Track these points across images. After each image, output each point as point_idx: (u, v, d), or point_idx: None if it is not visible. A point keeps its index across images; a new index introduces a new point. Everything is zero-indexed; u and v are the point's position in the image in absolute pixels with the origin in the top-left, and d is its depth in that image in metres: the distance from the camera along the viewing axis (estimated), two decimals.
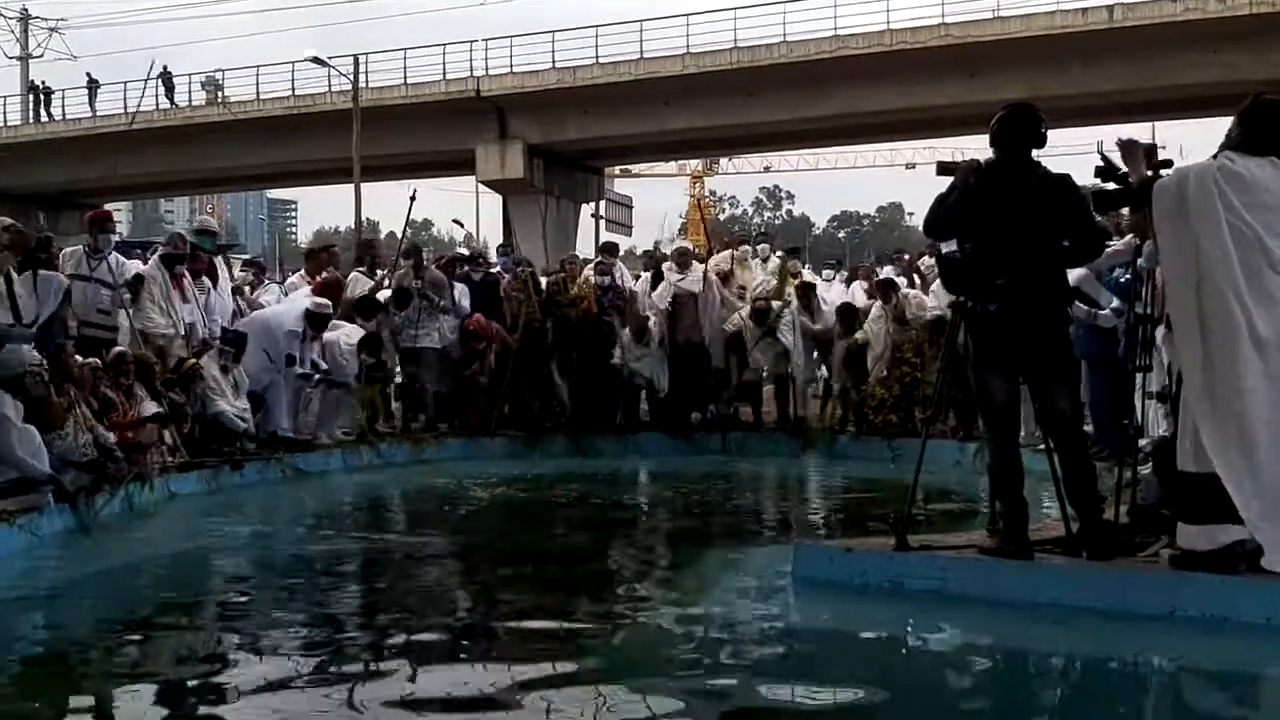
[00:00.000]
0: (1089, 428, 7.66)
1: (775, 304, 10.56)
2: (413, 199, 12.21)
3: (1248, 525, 4.21)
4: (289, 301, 10.26)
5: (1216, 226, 4.25)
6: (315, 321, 9.34)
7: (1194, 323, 4.34)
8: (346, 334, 9.82)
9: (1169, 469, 4.66)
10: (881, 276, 10.72)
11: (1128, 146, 4.70)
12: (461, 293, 10.97)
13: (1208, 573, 4.33)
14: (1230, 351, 4.24)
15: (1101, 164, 4.83)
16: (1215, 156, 4.42)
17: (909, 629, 4.69)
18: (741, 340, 10.64)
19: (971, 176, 4.83)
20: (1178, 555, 4.49)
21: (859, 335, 10.34)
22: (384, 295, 10.55)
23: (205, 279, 9.59)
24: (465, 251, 12.38)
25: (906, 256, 13.17)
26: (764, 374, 11.20)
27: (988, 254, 4.73)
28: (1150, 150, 4.78)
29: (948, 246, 5.58)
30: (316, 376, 9.50)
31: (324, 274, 10.45)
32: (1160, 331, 5.29)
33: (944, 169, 5.19)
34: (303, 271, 11.29)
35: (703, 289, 10.84)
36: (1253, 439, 4.21)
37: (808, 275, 11.26)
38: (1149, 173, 4.59)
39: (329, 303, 9.57)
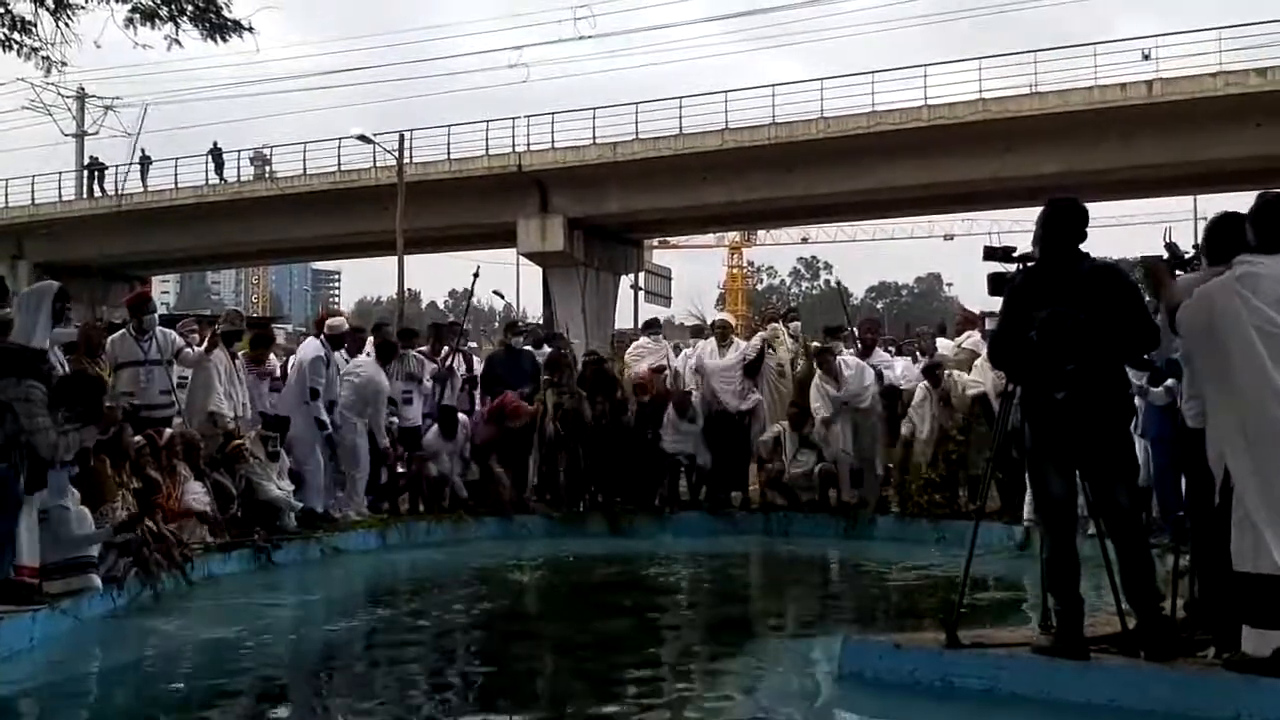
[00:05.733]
0: (1155, 511, 7.52)
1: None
2: (476, 276, 12.38)
3: None
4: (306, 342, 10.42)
5: (1243, 333, 4.24)
6: (334, 341, 9.70)
7: (1238, 432, 4.29)
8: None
9: (1215, 567, 4.50)
10: (926, 362, 10.48)
11: (1156, 270, 4.73)
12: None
13: (1270, 677, 4.16)
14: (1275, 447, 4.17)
15: (1166, 253, 4.79)
16: (1231, 265, 4.39)
17: None
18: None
19: (1019, 276, 4.79)
20: (1232, 658, 4.33)
21: (904, 429, 10.18)
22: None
23: (272, 358, 9.91)
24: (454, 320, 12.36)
25: (923, 328, 12.93)
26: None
27: (1054, 341, 4.58)
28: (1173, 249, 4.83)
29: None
30: (327, 432, 9.42)
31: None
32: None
33: (990, 254, 5.17)
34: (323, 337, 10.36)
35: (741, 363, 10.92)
36: None
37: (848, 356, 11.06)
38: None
39: (343, 321, 10.04)
